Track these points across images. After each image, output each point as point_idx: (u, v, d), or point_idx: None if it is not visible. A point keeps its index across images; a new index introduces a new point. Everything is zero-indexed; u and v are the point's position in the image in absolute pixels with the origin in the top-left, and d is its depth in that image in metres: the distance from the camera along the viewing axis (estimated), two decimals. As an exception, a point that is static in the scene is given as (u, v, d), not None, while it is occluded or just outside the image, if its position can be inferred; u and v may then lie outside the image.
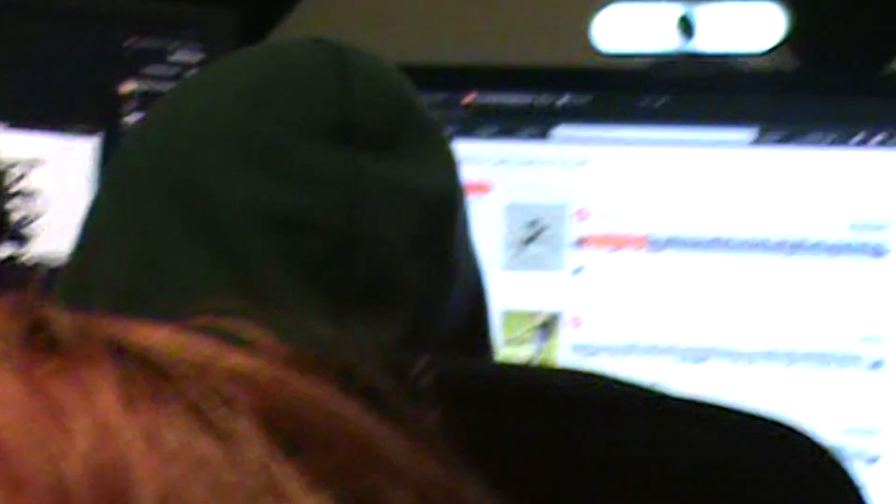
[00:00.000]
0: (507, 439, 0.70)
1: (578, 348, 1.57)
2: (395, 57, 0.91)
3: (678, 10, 1.51)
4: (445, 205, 0.86)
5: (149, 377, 0.46)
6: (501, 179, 1.61)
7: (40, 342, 0.46)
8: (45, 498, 0.43)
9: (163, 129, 0.90)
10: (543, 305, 1.59)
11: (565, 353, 1.60)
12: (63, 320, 0.46)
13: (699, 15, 1.52)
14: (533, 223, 1.58)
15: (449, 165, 0.87)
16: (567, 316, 1.59)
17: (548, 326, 1.57)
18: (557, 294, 1.59)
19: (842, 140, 1.51)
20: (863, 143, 1.49)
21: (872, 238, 1.50)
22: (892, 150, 1.51)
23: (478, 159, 1.61)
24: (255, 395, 0.48)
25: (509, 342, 1.60)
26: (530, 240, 1.59)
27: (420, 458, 0.49)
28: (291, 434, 0.48)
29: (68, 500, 0.43)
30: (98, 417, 0.44)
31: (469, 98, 1.64)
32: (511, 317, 1.59)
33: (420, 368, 0.72)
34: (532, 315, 1.59)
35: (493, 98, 1.65)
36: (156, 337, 0.49)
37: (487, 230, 1.58)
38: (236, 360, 0.49)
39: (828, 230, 1.51)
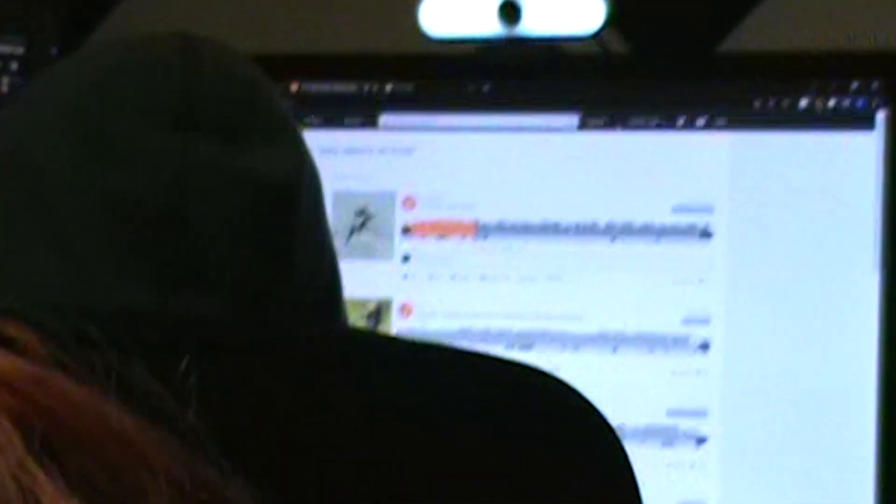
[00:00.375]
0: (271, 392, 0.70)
1: (407, 335, 1.56)
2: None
3: (506, -5, 1.54)
4: (284, 194, 0.86)
5: None
6: (328, 168, 1.57)
7: None
8: None
9: (8, 115, 0.90)
10: (373, 293, 1.60)
11: None
12: None
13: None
14: (361, 212, 1.60)
15: (296, 157, 0.88)
16: (396, 303, 1.60)
17: (378, 314, 1.58)
18: (387, 282, 1.61)
19: (666, 123, 1.55)
20: (687, 126, 1.53)
21: (698, 220, 1.54)
22: (716, 133, 1.54)
23: None
24: (13, 397, 0.52)
25: None
26: (358, 228, 1.60)
27: (183, 457, 0.54)
28: (50, 436, 0.52)
29: None
30: None
31: (293, 87, 1.63)
32: None
33: (186, 366, 0.72)
34: (362, 303, 1.61)
35: (318, 87, 1.64)
36: None
37: None
38: (6, 363, 0.53)
39: (653, 213, 1.54)
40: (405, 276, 1.62)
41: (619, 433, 0.80)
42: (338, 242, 1.56)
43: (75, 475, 0.53)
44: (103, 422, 0.55)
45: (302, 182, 0.89)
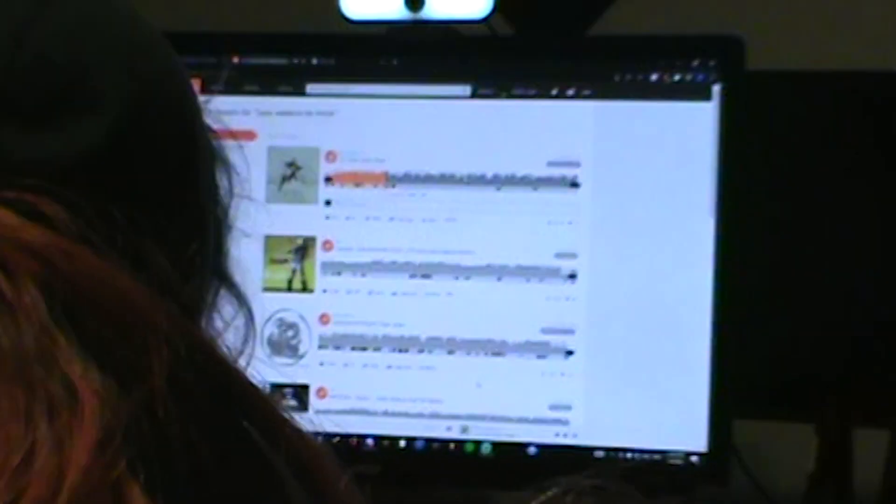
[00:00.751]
0: None
1: (328, 266, 1.77)
2: (166, 27, 0.91)
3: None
4: (89, 165, 0.72)
5: None
6: (264, 128, 1.79)
7: None
8: None
9: None
10: (300, 231, 1.76)
11: (319, 271, 1.78)
12: None
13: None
14: (290, 164, 1.77)
15: (108, 130, 0.74)
16: (320, 240, 1.76)
17: (304, 249, 1.75)
18: (312, 222, 1.77)
19: (542, 93, 1.71)
20: (559, 96, 1.70)
21: (568, 173, 1.71)
22: (583, 102, 1.72)
23: (245, 111, 1.78)
24: (41, 266, 0.54)
25: (272, 262, 1.78)
26: (289, 178, 1.77)
27: (183, 324, 0.58)
28: (71, 303, 0.54)
29: None
30: None
31: (235, 59, 1.80)
32: (273, 241, 1.77)
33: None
34: (291, 239, 1.77)
35: (256, 60, 1.81)
36: None
37: (254, 170, 1.71)
38: (31, 233, 0.54)
39: (531, 167, 1.71)
40: (327, 218, 1.77)
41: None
42: (272, 189, 1.79)
43: (90, 338, 0.55)
44: (119, 292, 0.57)
45: (108, 151, 0.74)
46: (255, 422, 0.61)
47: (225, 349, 0.67)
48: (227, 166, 0.99)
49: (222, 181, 0.94)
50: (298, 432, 0.63)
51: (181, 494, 0.56)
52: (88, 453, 0.53)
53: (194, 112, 0.82)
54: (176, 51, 0.88)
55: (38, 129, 0.72)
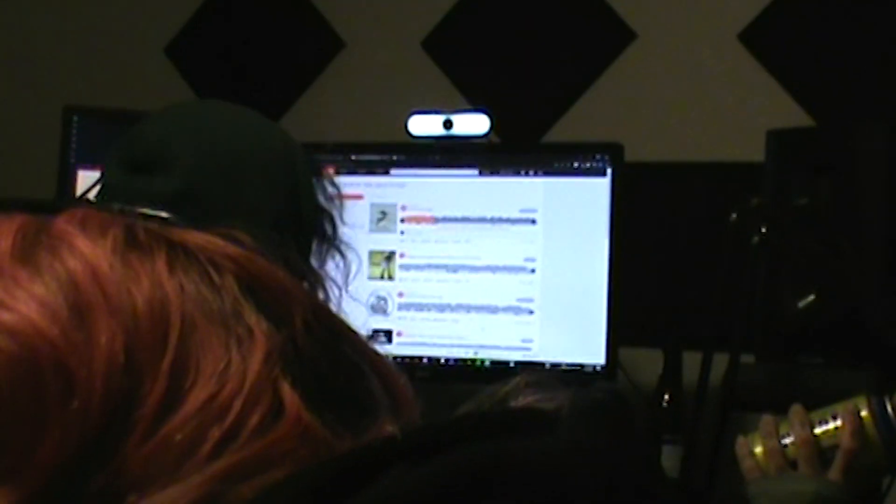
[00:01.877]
0: None
1: (403, 266, 2.28)
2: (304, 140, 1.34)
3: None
4: (183, 197, 1.22)
5: (185, 255, 0.67)
6: (367, 193, 2.38)
7: (131, 239, 0.67)
8: (123, 317, 0.63)
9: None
10: (387, 248, 2.30)
11: (398, 268, 2.32)
12: (142, 227, 0.68)
13: None
14: (382, 212, 2.32)
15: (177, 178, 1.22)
16: (398, 252, 2.29)
17: (390, 257, 2.28)
18: (393, 243, 2.29)
19: (516, 172, 2.26)
20: (525, 175, 2.25)
21: (529, 216, 2.25)
22: (538, 178, 2.26)
23: (357, 184, 2.30)
24: (235, 265, 0.68)
25: (373, 264, 2.30)
26: (381, 219, 2.31)
27: (312, 297, 0.72)
28: (252, 286, 0.68)
29: (136, 317, 0.64)
30: (155, 277, 0.66)
31: (353, 157, 2.32)
32: (374, 254, 2.30)
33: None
34: (382, 252, 2.29)
35: (364, 157, 2.35)
36: (190, 236, 0.68)
37: (361, 216, 2.35)
38: (230, 248, 0.69)
39: (510, 212, 2.23)
40: (402, 241, 2.25)
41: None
42: (373, 226, 2.29)
43: (260, 303, 0.68)
44: (277, 279, 0.70)
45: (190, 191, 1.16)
46: (352, 346, 0.72)
47: (335, 308, 0.79)
48: (331, 214, 1.33)
49: (327, 223, 1.29)
50: (378, 354, 0.72)
51: (311, 388, 0.66)
52: (259, 364, 0.65)
53: (292, 176, 1.21)
54: (318, 154, 1.28)
55: (144, 175, 1.23)
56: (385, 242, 2.38)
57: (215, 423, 0.62)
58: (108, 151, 1.40)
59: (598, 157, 2.29)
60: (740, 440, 1.69)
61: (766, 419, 1.67)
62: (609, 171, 2.27)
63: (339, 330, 0.72)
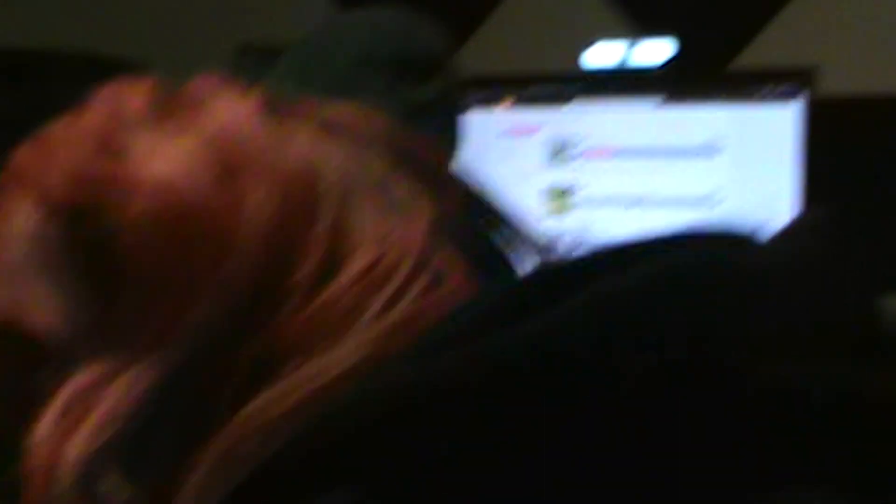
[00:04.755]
0: None
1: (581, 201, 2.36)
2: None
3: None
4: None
5: (332, 125, 0.67)
6: (543, 125, 2.32)
7: (273, 104, 0.67)
8: (275, 176, 0.63)
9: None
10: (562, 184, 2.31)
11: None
12: (296, 101, 0.67)
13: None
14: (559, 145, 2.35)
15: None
16: (576, 187, 2.32)
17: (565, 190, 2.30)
18: (568, 177, 2.34)
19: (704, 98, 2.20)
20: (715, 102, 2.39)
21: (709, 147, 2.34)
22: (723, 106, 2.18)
23: (531, 118, 2.32)
24: (388, 141, 0.70)
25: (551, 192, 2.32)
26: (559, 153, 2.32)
27: (457, 204, 0.71)
28: (400, 158, 0.69)
29: (287, 177, 0.63)
30: (304, 139, 0.66)
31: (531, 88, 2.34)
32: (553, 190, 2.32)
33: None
34: (556, 188, 2.34)
35: (544, 91, 2.32)
36: (333, 108, 0.69)
37: (537, 149, 2.36)
38: (382, 125, 0.71)
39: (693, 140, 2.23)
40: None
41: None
42: (546, 163, 2.26)
43: (409, 175, 0.70)
44: (430, 152, 0.73)
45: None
46: (511, 227, 0.75)
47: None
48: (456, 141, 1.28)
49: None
50: (541, 235, 0.74)
51: (470, 258, 0.67)
52: (422, 232, 0.66)
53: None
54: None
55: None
56: (561, 176, 2.32)
57: (377, 289, 0.61)
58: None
59: (786, 85, 2.15)
60: None
61: None
62: (798, 99, 2.13)
63: (495, 207, 0.73)
